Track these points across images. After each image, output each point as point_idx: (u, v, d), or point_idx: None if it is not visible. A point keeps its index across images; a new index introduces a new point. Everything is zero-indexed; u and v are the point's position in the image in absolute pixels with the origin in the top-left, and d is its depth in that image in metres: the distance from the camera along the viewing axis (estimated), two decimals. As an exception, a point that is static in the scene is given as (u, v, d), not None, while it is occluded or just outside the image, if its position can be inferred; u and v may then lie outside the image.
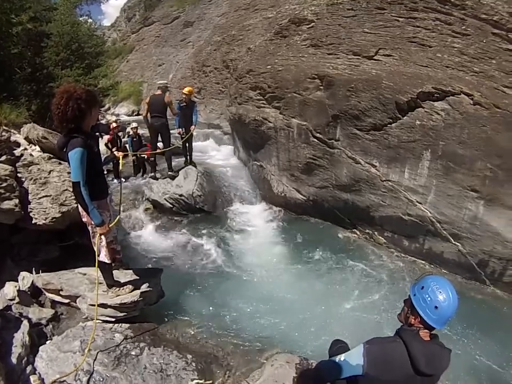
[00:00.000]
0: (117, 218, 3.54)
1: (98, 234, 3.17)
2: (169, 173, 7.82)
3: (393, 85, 5.57)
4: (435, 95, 5.21)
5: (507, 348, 4.27)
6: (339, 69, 6.33)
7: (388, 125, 5.74)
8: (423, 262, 6.01)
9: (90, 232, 3.33)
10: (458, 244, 5.47)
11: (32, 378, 2.83)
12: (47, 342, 3.31)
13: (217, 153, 11.92)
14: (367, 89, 5.82)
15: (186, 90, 8.02)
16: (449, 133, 5.13)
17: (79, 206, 3.16)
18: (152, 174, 7.91)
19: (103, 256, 3.34)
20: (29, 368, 2.91)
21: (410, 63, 5.66)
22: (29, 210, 4.57)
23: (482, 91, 4.88)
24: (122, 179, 8.33)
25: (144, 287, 3.80)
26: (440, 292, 1.78)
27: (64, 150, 2.96)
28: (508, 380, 3.89)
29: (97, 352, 3.07)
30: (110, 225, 3.27)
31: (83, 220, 3.29)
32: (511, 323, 4.67)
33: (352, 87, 6.00)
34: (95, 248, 3.25)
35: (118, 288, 3.62)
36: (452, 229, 5.45)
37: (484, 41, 5.10)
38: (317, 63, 6.77)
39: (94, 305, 3.51)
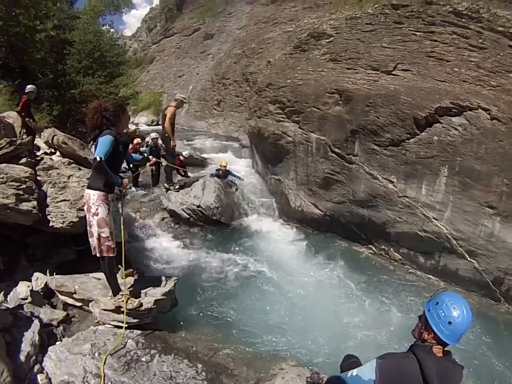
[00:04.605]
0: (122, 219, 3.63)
1: (96, 223, 3.32)
2: (165, 185, 7.90)
3: (411, 100, 5.57)
4: (453, 110, 5.20)
5: None
6: (358, 84, 6.37)
7: (406, 141, 5.72)
8: (438, 279, 5.92)
9: (88, 220, 3.40)
10: (474, 261, 5.38)
11: (39, 377, 2.83)
12: (57, 343, 3.30)
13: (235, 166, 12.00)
14: (386, 104, 5.84)
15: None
16: (467, 148, 5.09)
17: (85, 195, 3.42)
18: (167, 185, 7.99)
19: (105, 250, 3.41)
20: (36, 367, 2.91)
21: (428, 77, 5.68)
22: (47, 213, 4.63)
23: (500, 105, 4.86)
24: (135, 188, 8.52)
25: (158, 295, 3.81)
26: (455, 308, 1.78)
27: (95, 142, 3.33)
28: None
29: (107, 356, 3.06)
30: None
31: (84, 208, 3.47)
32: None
33: (370, 102, 6.02)
34: (91, 239, 3.40)
35: (126, 298, 3.60)
36: (468, 246, 5.36)
37: (501, 54, 5.11)
38: (336, 78, 6.83)
39: (106, 309, 3.55)
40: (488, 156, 4.92)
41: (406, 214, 6.01)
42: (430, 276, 6.00)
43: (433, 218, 5.67)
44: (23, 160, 4.89)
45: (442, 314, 1.79)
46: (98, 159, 3.16)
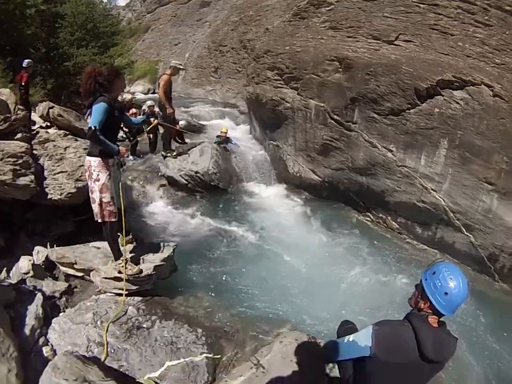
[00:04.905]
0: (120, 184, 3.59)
1: (98, 188, 3.34)
2: (162, 152, 7.89)
3: (412, 71, 5.45)
4: (455, 83, 5.10)
5: (509, 342, 4.25)
6: (358, 52, 6.21)
7: (406, 111, 5.64)
8: (435, 250, 5.98)
9: (89, 186, 3.42)
10: (470, 235, 5.41)
11: (44, 349, 2.87)
12: (60, 314, 3.35)
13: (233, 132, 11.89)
14: (386, 73, 5.71)
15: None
16: (468, 123, 5.03)
17: (85, 163, 3.40)
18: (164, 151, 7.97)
19: (107, 216, 3.44)
20: (41, 340, 2.96)
21: (430, 50, 5.54)
22: (45, 186, 4.65)
23: (503, 83, 4.76)
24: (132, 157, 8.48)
25: (157, 261, 3.85)
26: (451, 279, 1.78)
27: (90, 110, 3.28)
28: (507, 373, 3.89)
29: (109, 324, 3.13)
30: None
31: (85, 175, 3.48)
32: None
33: (371, 70, 5.89)
34: (94, 205, 3.42)
35: (125, 263, 3.66)
36: (465, 220, 5.38)
37: (507, 33, 4.97)
38: (336, 46, 6.66)
39: (107, 278, 3.60)
40: (489, 132, 4.86)
41: (404, 183, 6.02)
42: (426, 247, 6.07)
43: (432, 189, 5.67)
44: (19, 135, 4.88)
45: (439, 284, 1.79)
46: (93, 128, 3.10)
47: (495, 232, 5.09)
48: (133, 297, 3.59)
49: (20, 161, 4.38)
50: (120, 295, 3.55)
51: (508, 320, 4.57)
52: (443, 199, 5.55)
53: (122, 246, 3.75)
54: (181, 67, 7.70)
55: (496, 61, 4.94)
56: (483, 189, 5.09)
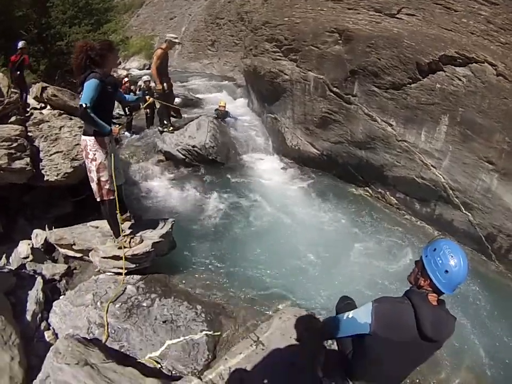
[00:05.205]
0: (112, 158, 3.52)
1: (95, 168, 3.33)
2: (160, 127, 7.84)
3: (415, 45, 5.29)
4: (458, 60, 4.96)
5: (504, 323, 4.30)
6: (359, 24, 6.03)
7: (407, 85, 5.52)
8: (433, 227, 5.98)
9: (87, 166, 3.41)
10: (469, 213, 5.39)
11: (46, 334, 2.88)
12: (61, 297, 3.37)
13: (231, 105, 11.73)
14: (388, 46, 5.55)
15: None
16: (470, 100, 4.92)
17: (82, 142, 3.37)
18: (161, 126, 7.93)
19: (105, 194, 3.45)
20: (43, 325, 2.96)
21: (433, 24, 5.37)
22: (41, 167, 4.63)
23: (507, 63, 4.62)
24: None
25: (156, 238, 3.84)
26: (452, 257, 1.75)
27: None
28: (502, 353, 3.94)
29: (109, 305, 3.14)
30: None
31: (82, 154, 3.48)
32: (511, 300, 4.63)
33: (372, 43, 5.73)
34: (92, 184, 3.43)
35: (128, 238, 3.67)
36: (464, 198, 5.35)
37: None
38: (337, 17, 6.45)
39: (106, 257, 3.60)
40: (491, 111, 4.76)
41: (404, 158, 5.96)
42: (425, 224, 6.07)
43: (431, 165, 5.61)
44: (13, 118, 4.84)
45: (440, 261, 1.77)
46: (84, 105, 3.02)
47: (494, 212, 5.06)
48: (132, 276, 3.60)
49: (15, 144, 4.36)
50: (119, 274, 3.57)
51: (502, 301, 4.60)
52: (442, 176, 5.50)
53: (121, 223, 3.75)
54: (177, 41, 7.53)
55: (501, 39, 4.79)
56: (483, 168, 5.03)
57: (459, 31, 5.11)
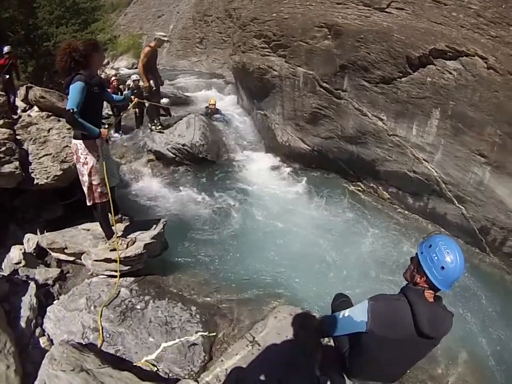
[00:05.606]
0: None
1: (87, 172, 3.29)
2: (149, 126, 7.84)
3: (404, 39, 5.29)
4: (448, 53, 4.96)
5: (499, 316, 4.32)
6: (348, 19, 6.00)
7: (398, 79, 5.51)
8: (426, 221, 5.99)
9: (78, 170, 3.37)
10: (462, 207, 5.41)
11: (41, 340, 2.84)
12: (54, 302, 3.31)
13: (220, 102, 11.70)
14: (377, 41, 5.54)
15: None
16: (461, 93, 4.93)
17: (72, 146, 3.31)
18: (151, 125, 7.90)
19: (97, 197, 3.41)
20: (38, 331, 2.91)
21: (423, 18, 5.38)
22: (30, 171, 4.57)
23: (498, 56, 4.63)
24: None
25: (147, 239, 3.79)
26: (448, 253, 1.73)
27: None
28: (498, 346, 3.96)
29: (103, 309, 3.10)
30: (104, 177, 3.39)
31: (73, 158, 3.43)
32: (506, 293, 4.66)
33: (361, 37, 5.71)
34: (84, 188, 3.39)
35: (120, 240, 3.62)
36: (457, 191, 5.37)
37: (503, 6, 4.79)
38: (325, 12, 6.42)
39: (98, 260, 3.55)
40: (482, 104, 4.77)
41: (395, 153, 5.96)
42: (418, 217, 6.08)
43: (423, 159, 5.62)
44: (0, 122, 4.75)
45: (436, 258, 1.75)
46: (70, 111, 2.97)
47: (487, 205, 5.08)
48: (125, 278, 3.56)
49: (3, 148, 4.29)
50: (112, 276, 3.53)
51: (497, 293, 4.62)
52: (435, 170, 5.52)
53: (112, 225, 3.72)
54: (165, 39, 7.49)
55: (491, 33, 4.81)
56: (475, 161, 5.05)
57: (449, 24, 5.12)
